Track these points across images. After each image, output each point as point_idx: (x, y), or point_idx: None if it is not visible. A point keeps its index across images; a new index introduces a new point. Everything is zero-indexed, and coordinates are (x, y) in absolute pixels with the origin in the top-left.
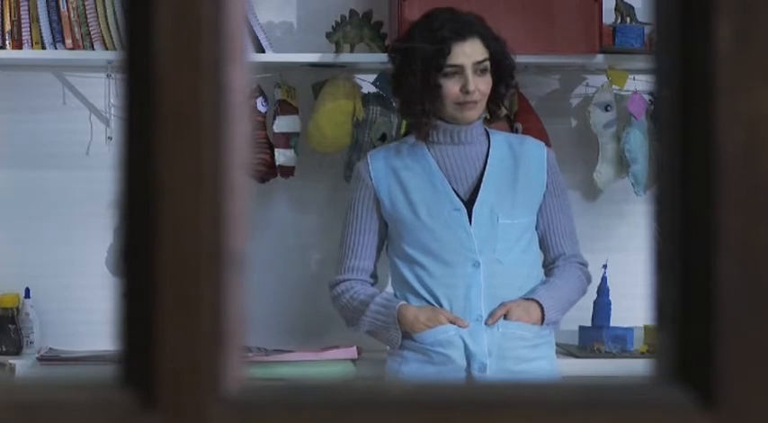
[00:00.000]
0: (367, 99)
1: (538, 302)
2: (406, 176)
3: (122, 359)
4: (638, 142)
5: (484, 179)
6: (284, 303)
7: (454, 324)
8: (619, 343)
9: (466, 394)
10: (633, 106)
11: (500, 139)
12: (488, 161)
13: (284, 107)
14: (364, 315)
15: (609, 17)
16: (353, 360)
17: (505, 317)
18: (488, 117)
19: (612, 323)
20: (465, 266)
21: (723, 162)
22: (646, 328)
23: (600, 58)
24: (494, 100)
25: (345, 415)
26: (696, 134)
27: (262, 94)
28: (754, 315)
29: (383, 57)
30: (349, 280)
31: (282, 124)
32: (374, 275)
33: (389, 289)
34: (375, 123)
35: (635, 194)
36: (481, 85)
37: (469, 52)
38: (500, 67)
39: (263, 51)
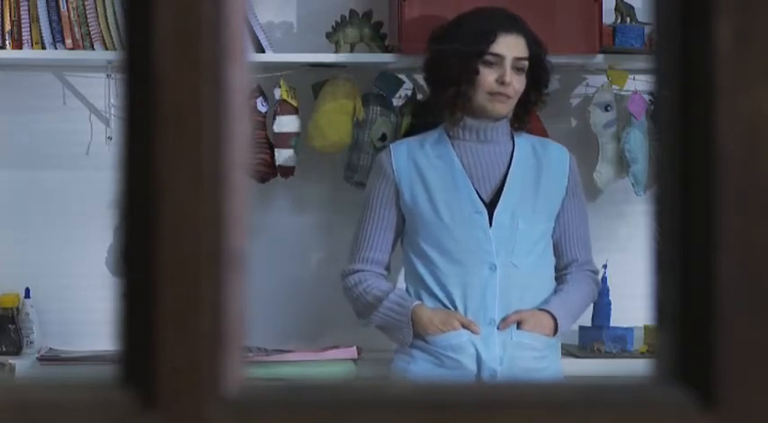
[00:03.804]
0: (367, 99)
1: (551, 314)
2: (428, 172)
3: (122, 359)
4: (638, 142)
5: (507, 182)
6: (284, 303)
7: (467, 329)
8: (619, 343)
9: (466, 394)
10: (633, 106)
11: (524, 141)
12: (512, 163)
13: (284, 107)
14: (377, 310)
15: (609, 17)
16: (353, 360)
17: (519, 326)
18: (516, 126)
19: (612, 323)
20: (481, 269)
21: (723, 162)
22: (646, 328)
23: (600, 58)
24: (523, 105)
25: (345, 415)
26: (696, 134)
27: (262, 94)
28: (754, 315)
29: (383, 57)
30: (362, 271)
31: (282, 124)
32: (388, 268)
33: (402, 282)
34: (375, 123)
35: (635, 194)
36: (516, 83)
37: (513, 45)
38: (536, 73)
39: (263, 51)
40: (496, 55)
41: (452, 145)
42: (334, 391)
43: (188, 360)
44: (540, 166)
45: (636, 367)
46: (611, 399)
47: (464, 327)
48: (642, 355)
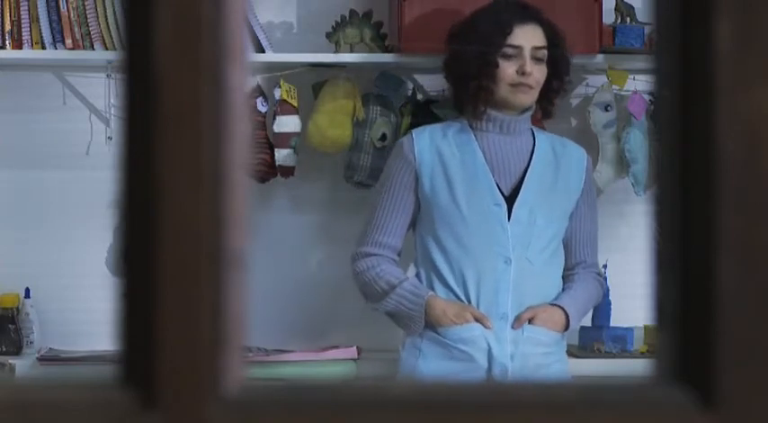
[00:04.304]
0: (367, 99)
1: (563, 309)
2: (450, 162)
3: (122, 359)
4: (638, 142)
5: (527, 177)
6: (284, 303)
7: (480, 323)
8: (619, 343)
9: (466, 394)
10: (633, 106)
11: (544, 138)
12: (533, 158)
13: (284, 107)
14: (389, 296)
15: (609, 17)
16: (353, 360)
17: (530, 321)
18: (541, 115)
19: (612, 323)
20: (496, 262)
21: (723, 162)
22: (646, 328)
23: (600, 58)
24: (546, 95)
25: (345, 415)
26: (696, 134)
27: (262, 94)
28: (754, 315)
29: (383, 57)
30: (375, 255)
31: (282, 124)
32: (400, 253)
33: (412, 268)
34: (375, 123)
35: (635, 194)
36: (537, 72)
37: (530, 36)
38: (556, 61)
39: (263, 51)
40: (515, 46)
41: (475, 136)
42: (334, 391)
43: (188, 360)
44: (558, 164)
45: (636, 367)
46: (611, 399)
47: (477, 320)
48: (642, 355)
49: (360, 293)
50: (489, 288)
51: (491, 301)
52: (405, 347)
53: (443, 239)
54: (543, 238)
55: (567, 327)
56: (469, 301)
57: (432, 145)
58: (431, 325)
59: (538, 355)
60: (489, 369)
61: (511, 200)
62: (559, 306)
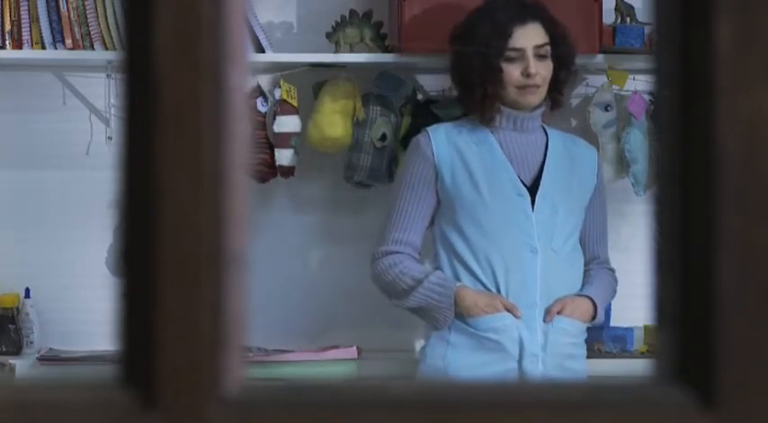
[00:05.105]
0: (367, 99)
1: (590, 300)
2: (468, 154)
3: (122, 359)
4: (638, 142)
5: (545, 169)
6: (284, 303)
7: (510, 312)
8: (619, 343)
9: (466, 394)
10: (633, 106)
11: (556, 134)
12: (548, 153)
13: (284, 107)
14: (415, 291)
15: (609, 17)
16: (353, 360)
17: (559, 312)
18: (551, 106)
19: (612, 323)
20: (522, 251)
21: (723, 162)
22: (646, 328)
23: (600, 58)
24: (555, 87)
25: (345, 415)
26: (696, 134)
27: (262, 94)
28: (754, 315)
29: (383, 57)
30: (397, 253)
31: (282, 124)
32: (420, 252)
33: (428, 266)
34: (375, 123)
35: (635, 194)
36: (542, 70)
37: (531, 35)
38: (561, 53)
39: (263, 51)
40: (517, 49)
41: (491, 132)
42: (334, 391)
43: (188, 360)
44: (572, 159)
45: (636, 367)
46: (611, 399)
47: (507, 310)
48: (642, 355)
49: (382, 293)
50: (518, 278)
51: (520, 291)
52: (429, 342)
53: (467, 231)
54: (565, 229)
55: (593, 317)
56: (498, 291)
57: (448, 140)
58: (460, 316)
59: (567, 346)
60: (520, 359)
61: (532, 191)
62: (587, 296)
